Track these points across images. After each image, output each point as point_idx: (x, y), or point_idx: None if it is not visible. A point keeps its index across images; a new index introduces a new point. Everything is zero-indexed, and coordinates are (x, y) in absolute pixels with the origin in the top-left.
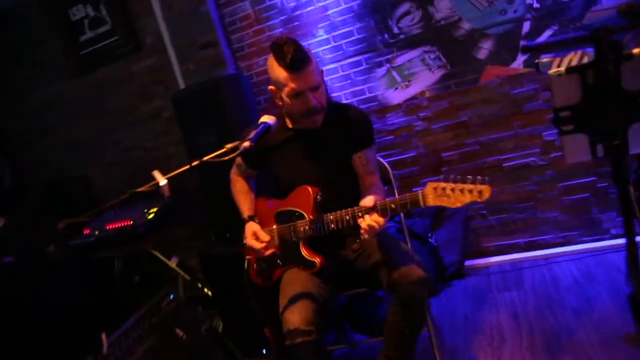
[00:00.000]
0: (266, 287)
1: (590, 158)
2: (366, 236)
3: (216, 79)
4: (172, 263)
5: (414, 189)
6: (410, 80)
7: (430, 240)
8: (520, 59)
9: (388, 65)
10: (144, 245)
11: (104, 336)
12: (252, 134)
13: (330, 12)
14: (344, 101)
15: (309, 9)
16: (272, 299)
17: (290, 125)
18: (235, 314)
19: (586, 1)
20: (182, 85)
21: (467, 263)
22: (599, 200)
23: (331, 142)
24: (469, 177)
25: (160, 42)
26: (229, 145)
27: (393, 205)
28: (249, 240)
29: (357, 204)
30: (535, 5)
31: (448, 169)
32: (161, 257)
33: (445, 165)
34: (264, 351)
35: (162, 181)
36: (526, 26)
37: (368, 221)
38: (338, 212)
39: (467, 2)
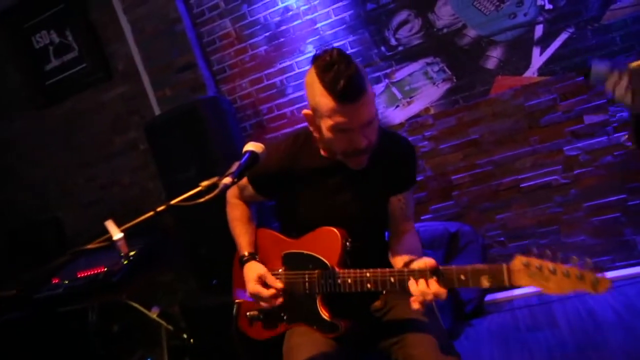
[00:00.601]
0: (259, 340)
1: None
2: (416, 306)
3: (193, 103)
4: (153, 314)
5: (422, 217)
6: (412, 97)
7: None
8: (535, 66)
9: (387, 80)
10: (120, 295)
11: None
12: (235, 167)
13: (319, 25)
14: None
15: (295, 23)
16: (265, 354)
17: (323, 153)
18: None
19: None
20: (157, 112)
21: (487, 297)
22: (631, 220)
23: (372, 180)
24: (575, 257)
25: (133, 67)
26: (204, 183)
27: (463, 277)
28: (253, 286)
29: (386, 257)
30: (548, 6)
31: (459, 193)
32: (139, 307)
33: (456, 189)
34: None
35: (117, 234)
36: (539, 30)
37: (423, 288)
38: (379, 269)
39: (471, 7)
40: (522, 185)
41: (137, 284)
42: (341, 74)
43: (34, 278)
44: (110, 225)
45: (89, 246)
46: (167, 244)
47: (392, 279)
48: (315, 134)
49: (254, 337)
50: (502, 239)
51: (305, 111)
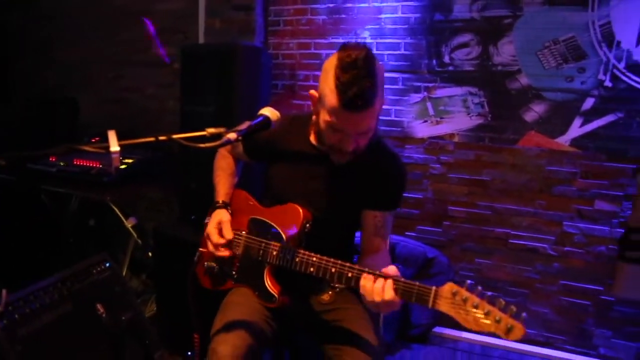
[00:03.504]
0: (210, 291)
1: None
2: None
3: (236, 46)
4: (129, 223)
5: (406, 233)
6: (443, 117)
7: None
8: (570, 135)
9: (425, 93)
10: (104, 195)
11: (4, 293)
12: (244, 125)
13: (383, 16)
14: None
15: (361, 5)
16: (211, 306)
17: (313, 141)
18: (173, 303)
19: None
20: (201, 40)
21: (436, 329)
22: (598, 312)
23: (350, 183)
24: (502, 300)
25: None
26: (210, 131)
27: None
28: (210, 227)
29: (346, 255)
30: (607, 83)
31: (450, 224)
32: (118, 212)
33: (449, 220)
34: (189, 353)
35: (115, 146)
36: (588, 103)
37: (375, 285)
38: (325, 258)
39: (533, 56)
40: (511, 240)
41: (125, 192)
42: (356, 82)
43: (27, 157)
44: (112, 135)
45: (85, 147)
46: (167, 165)
47: (332, 270)
48: (314, 116)
49: (203, 285)
50: (471, 282)
51: (312, 92)
